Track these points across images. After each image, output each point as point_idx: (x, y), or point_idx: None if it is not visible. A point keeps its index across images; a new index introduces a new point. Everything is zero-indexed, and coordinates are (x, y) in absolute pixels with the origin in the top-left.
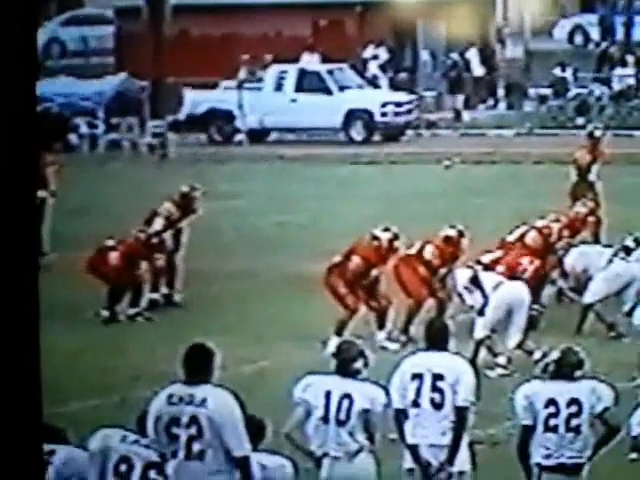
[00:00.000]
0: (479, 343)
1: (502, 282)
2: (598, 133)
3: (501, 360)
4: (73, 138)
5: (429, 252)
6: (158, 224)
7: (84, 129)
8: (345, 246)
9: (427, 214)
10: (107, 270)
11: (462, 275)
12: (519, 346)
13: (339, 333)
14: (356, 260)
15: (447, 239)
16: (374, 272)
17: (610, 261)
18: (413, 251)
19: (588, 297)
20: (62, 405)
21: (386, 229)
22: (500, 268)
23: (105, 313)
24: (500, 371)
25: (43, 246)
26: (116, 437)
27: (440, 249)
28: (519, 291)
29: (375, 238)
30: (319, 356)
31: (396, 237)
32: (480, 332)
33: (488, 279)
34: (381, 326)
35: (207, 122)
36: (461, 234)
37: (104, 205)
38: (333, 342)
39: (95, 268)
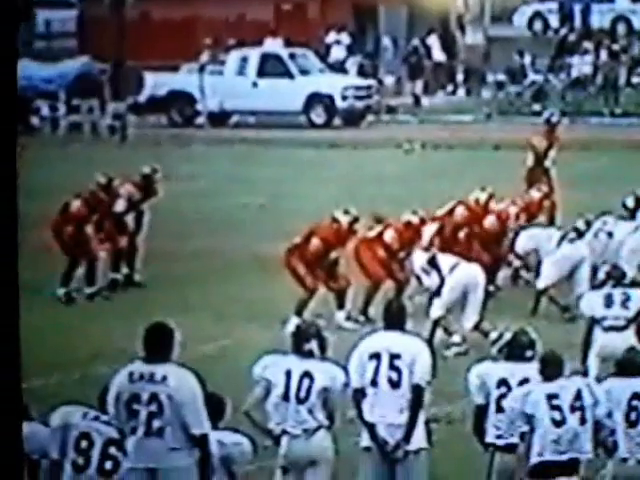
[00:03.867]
0: (435, 323)
1: (458, 264)
2: (555, 119)
3: (456, 338)
4: (35, 120)
5: (389, 236)
6: (120, 205)
7: (45, 111)
8: (305, 228)
9: (386, 198)
10: (65, 227)
11: (420, 257)
12: (476, 327)
13: (299, 313)
14: (315, 242)
15: (408, 224)
16: (333, 254)
17: (558, 245)
18: (373, 234)
19: (541, 282)
20: (24, 382)
21: (346, 212)
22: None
23: (61, 291)
24: (455, 349)
25: None
26: (77, 414)
27: (400, 233)
28: (474, 272)
29: (335, 220)
30: (279, 335)
31: (356, 220)
32: (436, 312)
33: (445, 261)
34: (340, 306)
35: (168, 104)
36: (422, 221)
37: (65, 186)
38: (293, 322)
39: (56, 226)
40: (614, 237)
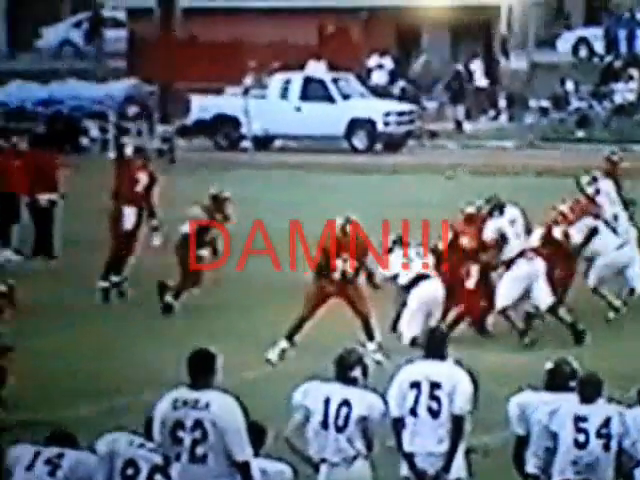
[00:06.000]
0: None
1: (421, 279)
2: (616, 157)
3: None
4: (84, 141)
5: (465, 242)
6: (186, 227)
7: (95, 132)
8: None
9: (427, 223)
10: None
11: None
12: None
13: (290, 337)
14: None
15: (470, 218)
16: (338, 262)
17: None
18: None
19: (543, 303)
20: (72, 409)
21: (346, 218)
22: None
23: (102, 284)
24: None
25: (54, 249)
26: (123, 441)
27: (470, 233)
28: (436, 288)
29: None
30: (320, 362)
31: (348, 221)
32: (408, 336)
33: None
34: (370, 337)
35: (214, 128)
36: (479, 209)
37: None
38: (280, 345)
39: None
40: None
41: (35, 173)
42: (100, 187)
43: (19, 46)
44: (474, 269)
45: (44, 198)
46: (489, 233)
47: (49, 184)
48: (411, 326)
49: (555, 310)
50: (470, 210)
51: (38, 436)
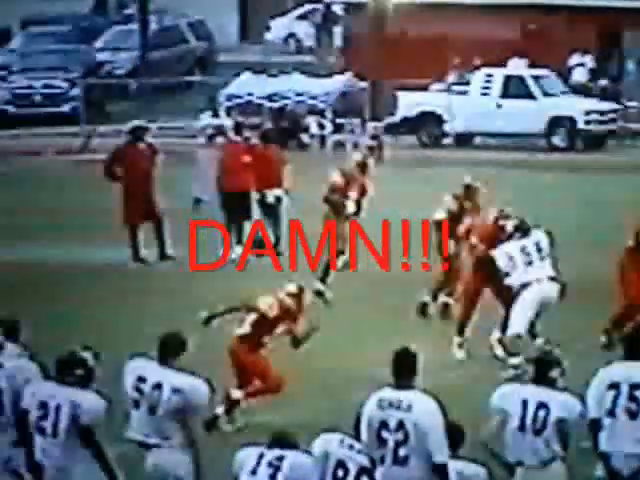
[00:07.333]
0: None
1: (533, 281)
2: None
3: (514, 360)
4: (305, 137)
5: None
6: (439, 214)
7: (314, 129)
8: None
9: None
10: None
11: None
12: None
13: (460, 332)
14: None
15: None
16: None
17: None
18: (632, 243)
19: None
20: (292, 411)
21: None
22: None
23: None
24: (513, 372)
25: (280, 245)
26: (334, 441)
27: None
28: (550, 289)
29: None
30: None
31: (505, 217)
32: (516, 329)
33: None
34: (503, 330)
35: (418, 125)
36: None
37: None
38: (456, 340)
39: None
40: None
41: (264, 169)
42: (321, 183)
43: (250, 38)
44: None
45: (271, 194)
46: None
47: (275, 180)
48: (521, 319)
49: None
50: None
51: (261, 439)
